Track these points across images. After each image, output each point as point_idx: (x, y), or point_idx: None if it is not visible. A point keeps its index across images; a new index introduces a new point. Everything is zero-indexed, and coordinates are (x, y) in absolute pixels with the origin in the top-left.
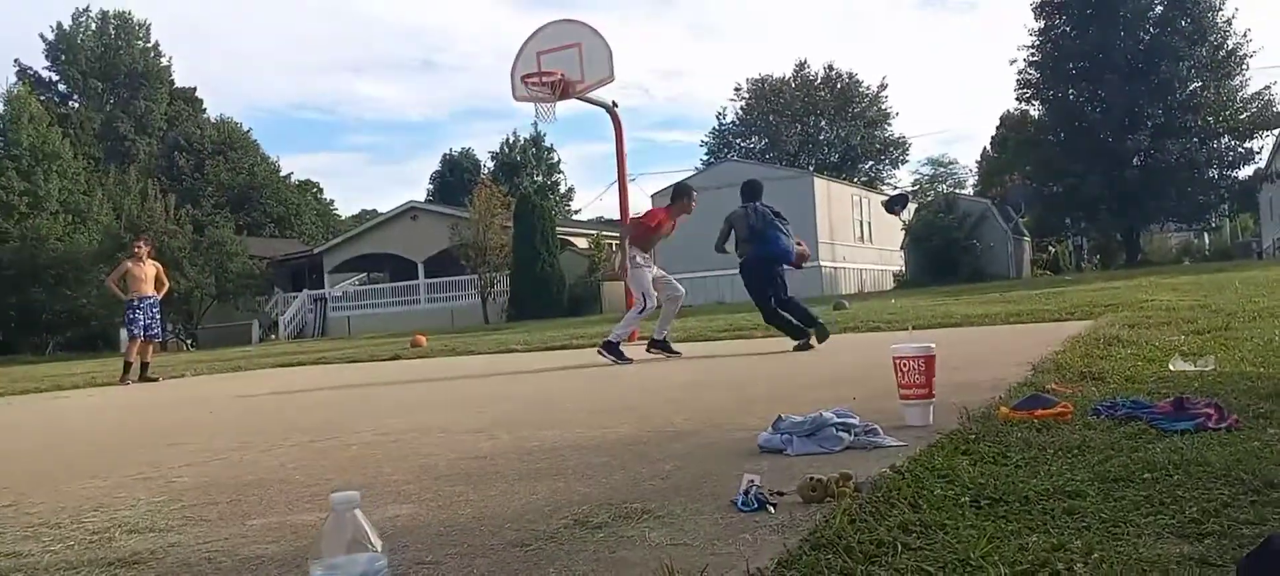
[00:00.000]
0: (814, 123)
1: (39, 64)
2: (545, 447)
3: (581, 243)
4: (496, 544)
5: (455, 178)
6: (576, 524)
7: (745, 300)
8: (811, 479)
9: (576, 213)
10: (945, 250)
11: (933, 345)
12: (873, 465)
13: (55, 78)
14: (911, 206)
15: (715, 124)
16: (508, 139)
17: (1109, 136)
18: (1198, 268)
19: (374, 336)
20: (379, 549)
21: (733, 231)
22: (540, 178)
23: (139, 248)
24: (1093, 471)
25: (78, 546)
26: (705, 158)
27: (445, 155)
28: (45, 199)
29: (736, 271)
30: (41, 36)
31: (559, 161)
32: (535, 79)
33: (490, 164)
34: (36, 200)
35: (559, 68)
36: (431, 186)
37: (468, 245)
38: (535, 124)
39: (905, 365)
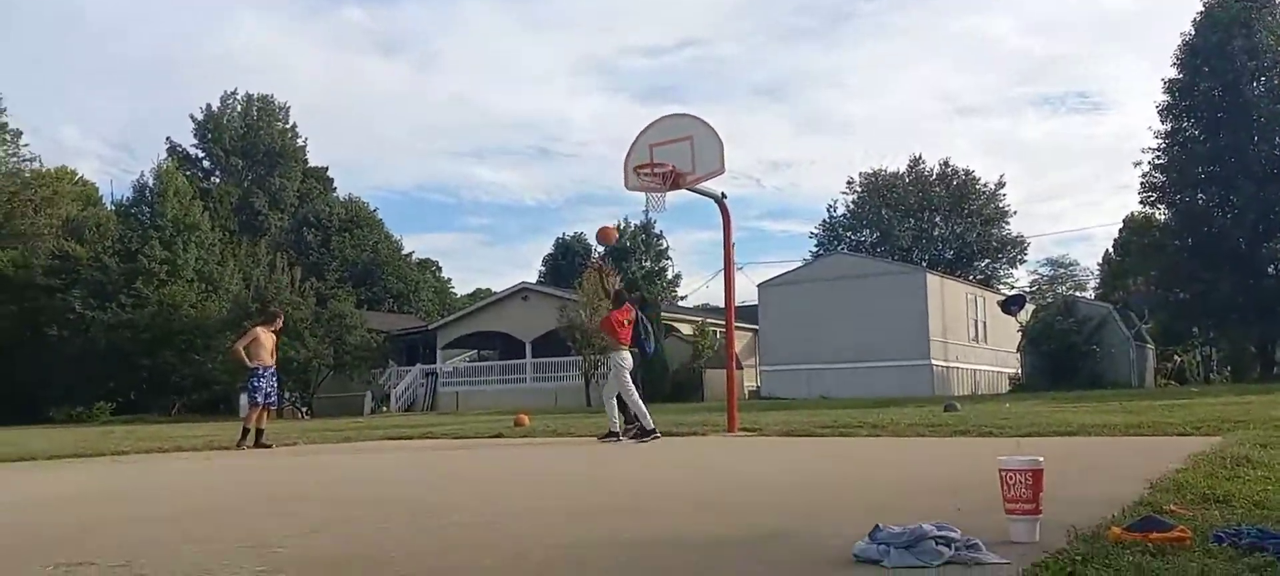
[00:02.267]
0: (928, 218)
1: (188, 141)
2: (637, 541)
3: (686, 328)
4: None
5: (567, 261)
6: None
7: (850, 395)
8: None
9: (682, 299)
10: (1063, 354)
11: (1041, 459)
12: None
13: (201, 155)
14: (1028, 308)
15: (825, 216)
16: (619, 225)
17: (1242, 242)
18: None
19: (480, 413)
20: None
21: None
22: (649, 264)
23: (278, 317)
24: None
25: None
26: (814, 249)
27: (558, 239)
28: (182, 267)
29: (837, 366)
30: (192, 116)
31: (668, 248)
32: (647, 170)
33: (600, 249)
34: (175, 268)
35: (670, 160)
36: (543, 268)
37: (575, 327)
38: (646, 212)
39: (1011, 478)
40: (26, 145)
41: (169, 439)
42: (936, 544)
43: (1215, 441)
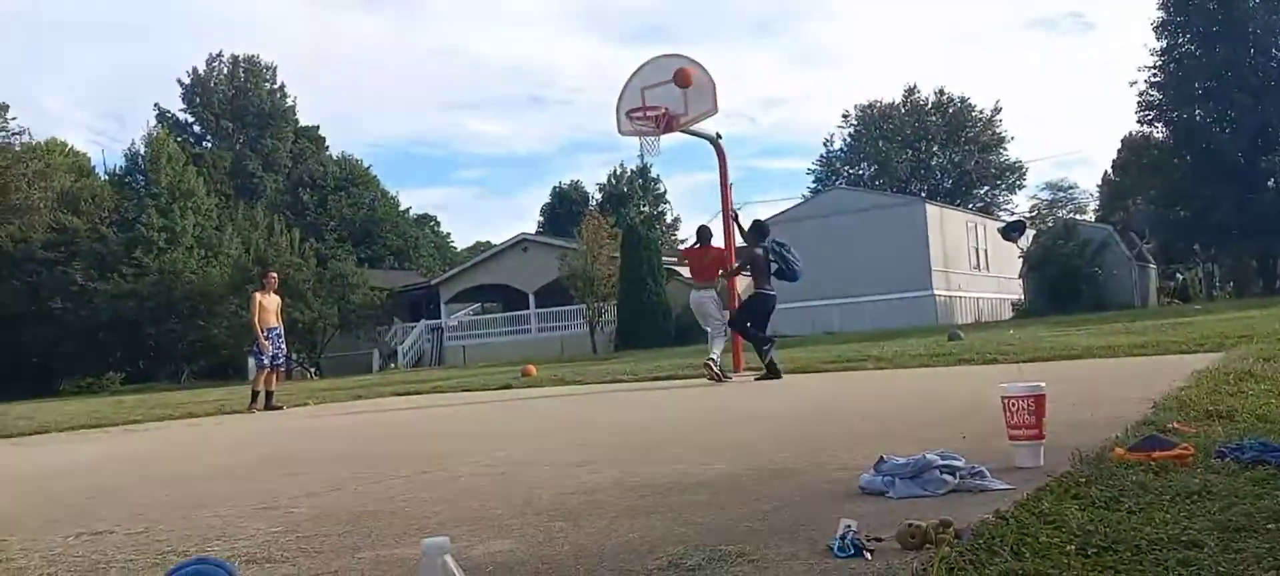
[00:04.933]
0: (925, 148)
1: (176, 106)
2: (647, 483)
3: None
4: None
5: (564, 209)
6: (671, 565)
7: (854, 330)
8: (910, 525)
9: (683, 243)
10: (1066, 278)
11: (1042, 385)
12: (977, 510)
13: (190, 120)
14: (1029, 233)
15: (822, 151)
16: (615, 171)
17: (1241, 157)
18: None
19: (487, 366)
20: None
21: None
22: (647, 208)
23: (270, 279)
24: (1212, 520)
25: None
26: (812, 185)
27: (555, 188)
28: (181, 235)
29: (840, 301)
30: (179, 81)
31: (665, 192)
32: (640, 114)
33: (598, 195)
34: (174, 236)
35: (663, 103)
36: (542, 218)
37: (576, 276)
38: (641, 157)
39: (1014, 405)
40: (14, 118)
41: (180, 406)
42: (941, 473)
43: (1218, 357)
